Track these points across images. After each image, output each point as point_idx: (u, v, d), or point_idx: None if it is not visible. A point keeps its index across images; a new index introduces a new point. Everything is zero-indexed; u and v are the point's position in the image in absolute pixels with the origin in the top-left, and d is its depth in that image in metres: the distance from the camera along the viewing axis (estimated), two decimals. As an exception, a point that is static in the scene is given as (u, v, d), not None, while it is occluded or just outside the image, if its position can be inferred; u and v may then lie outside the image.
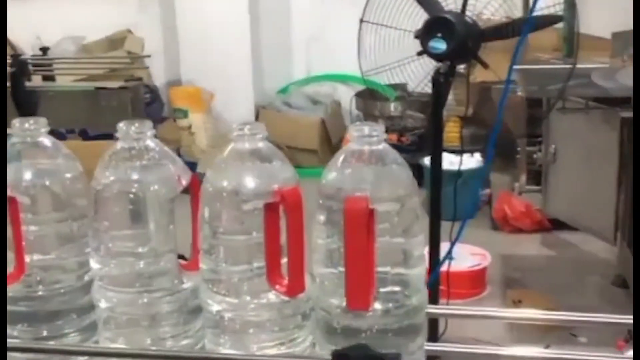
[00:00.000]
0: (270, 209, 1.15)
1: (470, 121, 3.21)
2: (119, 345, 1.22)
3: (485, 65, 3.23)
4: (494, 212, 4.05)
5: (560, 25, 3.63)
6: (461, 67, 3.02)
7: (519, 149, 3.56)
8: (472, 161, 4.01)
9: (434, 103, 2.72)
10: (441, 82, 2.66)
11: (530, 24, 2.95)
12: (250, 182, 1.16)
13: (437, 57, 2.64)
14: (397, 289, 1.14)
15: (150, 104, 4.74)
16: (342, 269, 1.11)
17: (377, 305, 1.12)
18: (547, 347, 1.29)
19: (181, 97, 4.95)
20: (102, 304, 1.22)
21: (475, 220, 3.93)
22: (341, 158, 1.15)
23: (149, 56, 4.44)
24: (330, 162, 1.16)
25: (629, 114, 3.41)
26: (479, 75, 3.26)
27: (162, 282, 1.22)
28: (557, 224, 3.87)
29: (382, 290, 1.12)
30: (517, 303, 3.22)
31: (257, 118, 4.95)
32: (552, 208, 3.69)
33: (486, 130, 2.84)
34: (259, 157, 1.18)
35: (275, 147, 1.20)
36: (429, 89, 2.68)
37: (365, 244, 1.10)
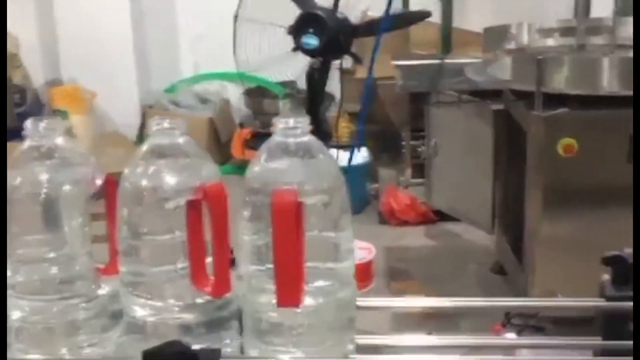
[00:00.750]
0: (193, 206, 1.10)
1: (358, 117, 3.25)
2: (33, 356, 1.15)
3: (359, 61, 3.25)
4: (380, 206, 4.11)
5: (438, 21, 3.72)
6: (342, 63, 3.02)
7: (404, 143, 3.61)
8: (359, 157, 4.03)
9: (310, 99, 2.72)
10: (315, 78, 2.66)
11: (392, 20, 3.00)
12: (171, 179, 1.11)
13: (310, 52, 2.64)
14: (327, 283, 1.11)
15: (21, 105, 4.55)
16: (270, 265, 1.07)
17: (308, 301, 1.08)
18: (429, 334, 1.30)
19: (60, 97, 4.78)
20: (14, 315, 1.14)
21: (364, 215, 3.98)
22: (266, 151, 1.11)
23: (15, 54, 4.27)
24: (255, 156, 1.12)
25: (499, 106, 3.51)
26: (364, 71, 3.30)
27: (78, 287, 1.15)
28: (442, 216, 3.95)
29: (312, 285, 1.09)
30: (400, 294, 3.28)
31: (143, 117, 4.83)
32: (434, 200, 3.77)
33: (374, 125, 2.87)
34: (179, 152, 1.12)
35: (195, 143, 1.15)
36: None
37: (295, 238, 1.06)
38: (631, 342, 1.04)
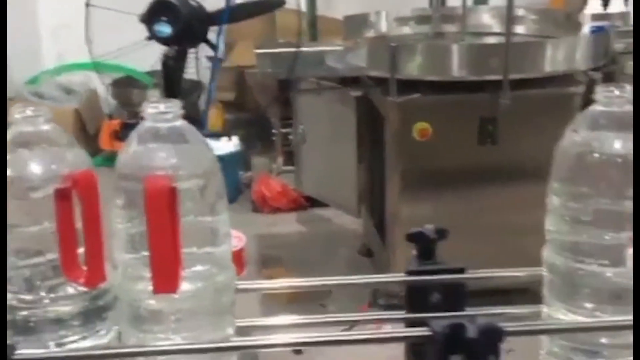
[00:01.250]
0: (62, 195, 1.06)
1: (232, 106, 3.22)
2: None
3: (214, 49, 3.23)
4: (253, 194, 4.10)
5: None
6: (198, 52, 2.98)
7: (274, 131, 3.62)
8: (231, 145, 4.00)
9: (167, 88, 2.68)
10: (171, 66, 2.62)
11: (239, 8, 3.00)
12: (36, 168, 1.06)
13: (163, 41, 2.60)
14: (205, 267, 1.09)
15: None
16: (145, 253, 1.04)
17: (186, 286, 1.06)
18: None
19: None
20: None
21: (237, 204, 3.96)
22: (137, 137, 1.08)
23: None
24: (126, 142, 1.09)
25: (359, 92, 3.57)
26: (234, 59, 3.29)
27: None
28: (313, 201, 3.99)
29: (189, 270, 1.07)
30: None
31: None
32: (304, 186, 3.80)
33: (247, 114, 2.86)
34: (45, 140, 1.08)
35: (62, 130, 1.11)
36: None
37: (169, 224, 1.04)
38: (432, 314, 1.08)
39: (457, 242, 3.56)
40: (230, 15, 3.10)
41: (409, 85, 3.37)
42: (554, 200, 1.05)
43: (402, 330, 1.13)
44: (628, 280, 1.01)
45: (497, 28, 3.83)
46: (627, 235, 0.99)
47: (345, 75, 3.53)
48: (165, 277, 1.05)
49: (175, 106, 1.07)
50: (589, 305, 1.03)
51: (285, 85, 3.40)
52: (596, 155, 0.99)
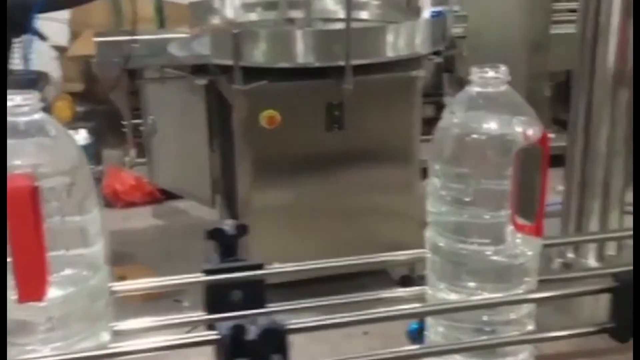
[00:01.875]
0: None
1: (81, 97, 3.07)
2: None
3: (43, 38, 3.07)
4: (104, 188, 3.93)
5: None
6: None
7: (125, 122, 3.48)
8: (79, 138, 3.81)
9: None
10: None
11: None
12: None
13: None
14: (75, 271, 1.02)
15: None
16: (9, 259, 0.96)
17: (55, 293, 0.98)
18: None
19: None
20: None
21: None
22: (-8, 133, 0.99)
23: None
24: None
25: (204, 81, 3.50)
26: (79, 49, 3.12)
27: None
28: (170, 194, 3.88)
29: (58, 275, 0.99)
30: (121, 279, 3.17)
31: None
32: (158, 178, 3.69)
33: (98, 105, 2.73)
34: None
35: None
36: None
37: (32, 227, 0.95)
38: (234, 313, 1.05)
39: (311, 227, 3.57)
40: (45, 3, 2.96)
41: (255, 73, 3.32)
42: (434, 182, 1.03)
43: (188, 336, 1.03)
44: (508, 259, 1.02)
45: (342, 14, 3.84)
46: (507, 213, 1.00)
47: (190, 64, 3.45)
48: (30, 285, 0.97)
49: (33, 98, 0.99)
50: (471, 284, 1.03)
51: (130, 75, 3.28)
52: (475, 136, 0.99)
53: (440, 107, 4.65)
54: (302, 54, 3.36)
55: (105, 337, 1.02)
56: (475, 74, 1.00)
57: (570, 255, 1.56)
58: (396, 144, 3.32)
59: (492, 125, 0.99)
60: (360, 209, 3.35)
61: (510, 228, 0.99)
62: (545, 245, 1.07)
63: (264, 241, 3.37)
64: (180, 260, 3.42)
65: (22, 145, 0.98)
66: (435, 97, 4.54)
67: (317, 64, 3.34)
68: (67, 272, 1.00)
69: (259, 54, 3.37)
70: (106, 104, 3.42)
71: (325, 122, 3.34)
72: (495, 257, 1.01)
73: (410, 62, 3.28)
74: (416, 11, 3.60)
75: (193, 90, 3.40)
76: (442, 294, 1.05)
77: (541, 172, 0.97)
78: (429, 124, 5.04)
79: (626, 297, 0.90)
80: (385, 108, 3.26)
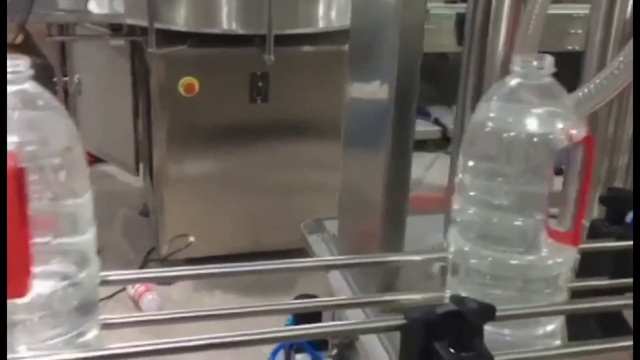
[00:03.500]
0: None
1: (20, 50, 2.86)
2: None
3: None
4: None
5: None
6: None
7: (55, 79, 3.28)
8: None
9: None
10: None
11: None
12: None
13: None
14: (63, 263, 0.89)
15: None
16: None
17: (40, 287, 0.86)
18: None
19: None
20: None
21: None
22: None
23: None
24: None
25: (121, 42, 3.34)
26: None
27: None
28: (97, 157, 3.72)
29: (44, 267, 0.87)
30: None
31: None
32: (85, 141, 3.51)
33: (36, 58, 2.55)
34: None
35: None
36: None
37: (16, 214, 0.83)
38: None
39: (229, 201, 3.47)
40: None
41: (175, 37, 3.18)
42: (464, 179, 0.96)
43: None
44: (539, 268, 0.96)
45: None
46: (541, 219, 0.94)
47: (104, 23, 3.27)
48: (12, 279, 0.84)
49: (22, 65, 0.86)
50: (496, 292, 0.96)
51: (61, 29, 3.09)
52: (512, 133, 0.92)
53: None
54: (226, 19, 3.24)
55: (95, 333, 0.91)
56: (516, 63, 0.93)
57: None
58: (324, 120, 3.24)
59: (532, 122, 0.92)
60: (283, 184, 3.27)
61: (543, 235, 0.93)
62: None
63: (180, 213, 3.26)
64: (99, 227, 3.26)
65: (7, 120, 0.84)
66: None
67: (241, 32, 3.22)
68: (54, 263, 0.88)
69: (179, 17, 3.23)
70: (44, 57, 3.21)
71: (249, 93, 3.24)
72: (524, 266, 0.94)
73: (343, 34, 3.20)
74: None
75: (117, 51, 3.23)
76: (465, 300, 0.98)
77: (583, 175, 0.91)
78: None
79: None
80: (314, 82, 3.19)
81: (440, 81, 3.54)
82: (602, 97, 1.20)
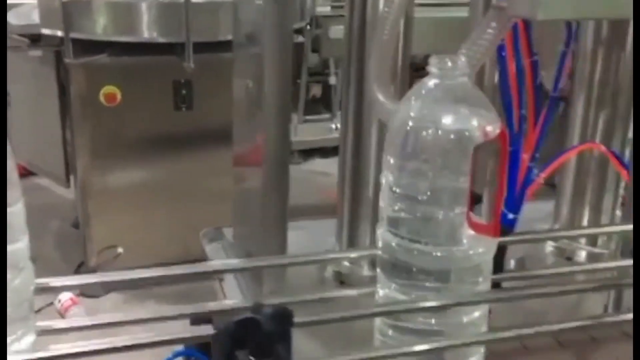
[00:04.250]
0: None
1: None
2: None
3: None
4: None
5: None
6: None
7: None
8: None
9: None
10: None
11: None
12: None
13: None
14: (-3, 272, 0.91)
15: None
16: None
17: (-27, 297, 0.88)
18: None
19: None
20: None
21: None
22: None
23: None
24: None
25: (38, 53, 3.31)
26: None
27: None
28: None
29: (-23, 277, 0.88)
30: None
31: None
32: (16, 154, 3.45)
33: None
34: None
35: None
36: None
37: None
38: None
39: (156, 210, 3.46)
40: None
41: (95, 46, 3.17)
42: (388, 177, 1.01)
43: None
44: (462, 259, 1.01)
45: None
46: (462, 212, 0.99)
47: (22, 33, 3.24)
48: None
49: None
50: (424, 284, 1.01)
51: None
52: (431, 130, 0.98)
53: (326, 87, 4.67)
54: (146, 28, 3.24)
55: (31, 339, 0.93)
56: (433, 64, 0.98)
57: (346, 264, 1.52)
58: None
59: (449, 120, 0.97)
60: (211, 190, 3.28)
61: (465, 227, 0.98)
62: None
63: (106, 224, 3.24)
64: (32, 240, 3.23)
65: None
66: (322, 77, 4.54)
67: (161, 40, 3.23)
68: (-13, 273, 0.89)
69: (97, 26, 3.23)
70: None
71: (173, 101, 3.25)
72: (447, 257, 0.99)
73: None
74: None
75: (43, 62, 3.21)
76: (393, 294, 1.03)
77: (499, 169, 0.97)
78: (316, 103, 5.03)
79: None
80: (237, 88, 3.21)
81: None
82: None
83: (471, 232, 1.00)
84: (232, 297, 1.46)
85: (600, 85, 1.54)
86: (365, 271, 1.52)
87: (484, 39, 0.99)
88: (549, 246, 1.64)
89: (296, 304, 1.07)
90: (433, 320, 1.03)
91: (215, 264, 1.47)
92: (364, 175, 1.52)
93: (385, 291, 1.04)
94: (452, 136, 0.98)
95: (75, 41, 3.08)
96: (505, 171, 0.97)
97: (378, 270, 1.06)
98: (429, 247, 1.00)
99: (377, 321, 1.06)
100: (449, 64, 0.98)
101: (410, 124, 0.99)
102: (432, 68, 0.99)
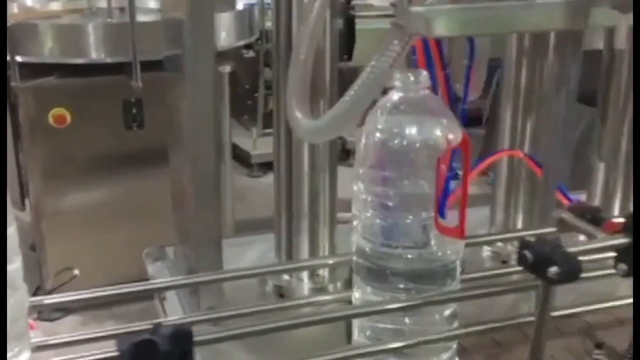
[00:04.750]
0: None
1: None
2: None
3: None
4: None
5: None
6: None
7: None
8: None
9: None
10: None
11: None
12: None
13: None
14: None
15: None
16: None
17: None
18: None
19: None
20: None
21: None
22: None
23: None
24: None
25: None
26: None
27: None
28: None
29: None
30: None
31: None
32: None
33: None
34: None
35: None
36: None
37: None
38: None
39: (112, 231, 3.48)
40: None
41: (43, 69, 3.19)
42: (359, 186, 1.08)
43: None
44: (431, 261, 1.09)
45: (154, 4, 3.71)
46: (430, 216, 1.07)
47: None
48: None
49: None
50: (397, 286, 1.09)
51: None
52: (397, 141, 1.05)
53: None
54: (93, 48, 3.27)
55: (26, 356, 0.98)
56: (397, 79, 1.06)
57: (286, 277, 1.56)
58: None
59: (414, 130, 1.05)
60: (166, 209, 3.31)
61: (433, 231, 1.06)
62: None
63: (61, 247, 3.26)
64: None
65: None
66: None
67: (108, 60, 3.26)
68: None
69: (44, 49, 3.25)
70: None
71: (124, 121, 3.28)
72: (417, 259, 1.07)
73: (220, 56, 3.29)
74: (231, 3, 3.61)
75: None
76: (369, 297, 1.10)
77: (463, 174, 1.05)
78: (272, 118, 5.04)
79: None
80: (189, 106, 3.25)
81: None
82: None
83: (439, 235, 1.07)
84: (173, 314, 1.47)
85: (526, 93, 1.60)
86: (306, 284, 1.53)
87: (387, 56, 1.04)
88: (486, 251, 1.68)
89: (233, 317, 1.14)
90: (406, 319, 1.10)
91: (151, 282, 1.46)
92: (299, 189, 1.53)
93: (360, 294, 1.12)
94: (417, 145, 1.05)
95: (23, 65, 3.09)
96: (468, 176, 1.05)
97: (354, 274, 1.13)
98: (400, 250, 1.07)
99: (356, 322, 1.13)
100: (412, 78, 1.06)
101: (378, 135, 1.07)
102: (396, 82, 1.07)
